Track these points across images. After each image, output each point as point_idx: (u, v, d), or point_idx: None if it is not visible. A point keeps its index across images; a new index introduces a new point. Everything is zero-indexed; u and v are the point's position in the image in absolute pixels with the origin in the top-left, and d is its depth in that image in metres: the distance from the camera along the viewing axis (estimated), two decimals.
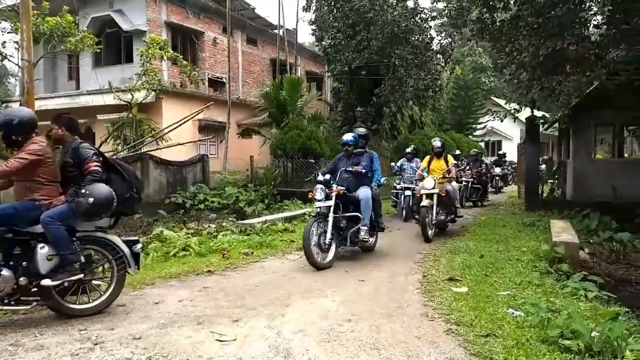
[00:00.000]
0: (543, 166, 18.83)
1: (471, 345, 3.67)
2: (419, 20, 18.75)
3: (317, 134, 16.28)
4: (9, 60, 13.75)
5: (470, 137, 34.33)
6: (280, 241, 8.38)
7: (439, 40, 20.99)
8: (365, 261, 6.93)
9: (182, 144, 14.17)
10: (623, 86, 10.39)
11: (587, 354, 3.46)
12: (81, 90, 17.99)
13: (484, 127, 35.41)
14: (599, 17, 11.67)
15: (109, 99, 14.73)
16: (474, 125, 36.00)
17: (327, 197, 6.47)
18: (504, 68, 13.33)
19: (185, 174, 13.55)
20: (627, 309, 4.95)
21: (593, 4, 11.40)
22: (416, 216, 8.97)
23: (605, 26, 11.31)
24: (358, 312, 4.50)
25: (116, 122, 14.15)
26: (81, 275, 4.24)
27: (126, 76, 15.20)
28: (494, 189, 19.58)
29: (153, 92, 14.47)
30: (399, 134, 22.77)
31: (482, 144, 35.65)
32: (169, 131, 14.27)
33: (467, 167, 14.81)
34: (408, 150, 12.56)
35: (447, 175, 9.11)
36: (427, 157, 9.68)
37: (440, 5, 18.68)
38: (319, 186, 6.55)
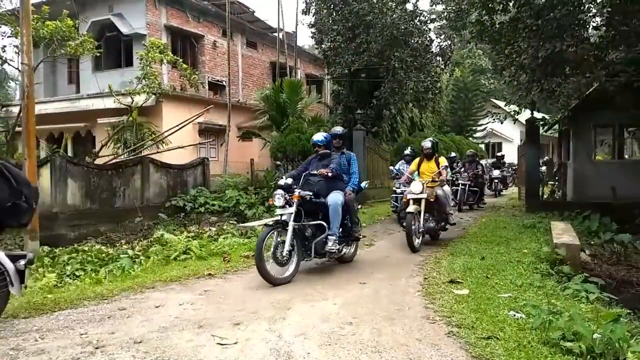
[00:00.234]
0: (543, 168, 18.86)
1: (472, 348, 3.66)
2: (418, 23, 18.76)
3: None
4: (9, 64, 13.77)
5: (470, 139, 34.36)
6: None
7: (439, 43, 21.01)
8: (365, 264, 6.92)
9: (182, 147, 14.19)
10: (622, 87, 10.40)
11: (588, 356, 3.46)
12: (81, 94, 18.02)
13: (484, 129, 35.47)
14: (598, 19, 11.71)
15: (109, 103, 14.77)
16: (474, 127, 36.04)
17: (288, 204, 5.83)
18: (504, 70, 13.35)
19: (186, 177, 13.55)
20: (628, 311, 4.95)
21: (592, 6, 11.43)
22: (403, 223, 8.20)
23: (604, 28, 11.34)
24: (359, 315, 4.50)
25: (116, 126, 14.18)
26: None
27: (126, 80, 15.23)
28: (493, 192, 19.18)
29: (153, 96, 14.49)
30: (399, 136, 22.78)
31: (482, 146, 35.68)
32: (169, 134, 14.30)
33: (463, 169, 14.45)
34: (407, 152, 12.23)
35: (438, 179, 8.40)
36: (417, 159, 9.02)
37: (440, 7, 18.73)
38: (278, 191, 5.91)
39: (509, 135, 36.58)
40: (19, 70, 9.80)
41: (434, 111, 27.43)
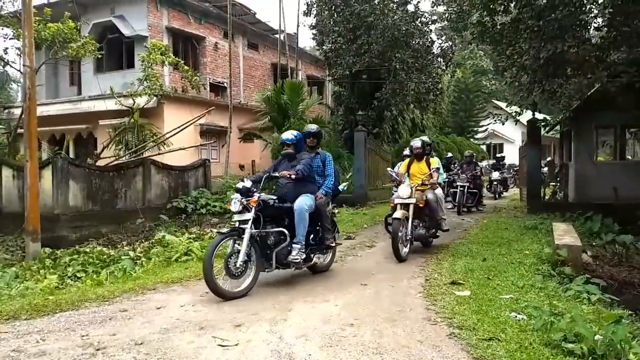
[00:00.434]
0: (545, 169, 18.84)
1: (474, 349, 3.65)
2: (420, 24, 18.78)
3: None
4: (11, 66, 13.81)
5: (471, 140, 34.38)
6: None
7: (440, 44, 21.04)
8: (366, 265, 6.92)
9: (183, 149, 14.20)
10: (624, 88, 10.38)
11: (590, 358, 3.45)
12: (83, 96, 18.05)
13: (486, 130, 35.47)
14: (599, 20, 11.69)
15: (111, 105, 14.79)
16: (475, 128, 36.05)
17: (246, 209, 5.32)
18: (505, 71, 13.33)
19: (187, 178, 13.56)
20: (630, 312, 4.94)
21: (593, 7, 11.41)
22: (389, 228, 7.62)
23: (605, 28, 11.32)
24: (360, 316, 4.49)
25: (118, 127, 14.20)
26: None
27: (128, 81, 15.25)
28: (492, 194, 18.51)
29: (155, 97, 14.52)
30: (400, 138, 22.77)
31: (484, 147, 35.70)
32: (171, 136, 14.32)
33: (460, 170, 14.06)
34: (406, 152, 11.40)
35: (428, 181, 7.70)
36: (407, 160, 8.37)
37: (441, 8, 18.63)
38: (234, 196, 5.41)
39: (511, 137, 36.57)
40: (21, 72, 9.83)
41: (435, 112, 27.42)
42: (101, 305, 4.95)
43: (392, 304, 4.90)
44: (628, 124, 13.57)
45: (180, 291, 5.53)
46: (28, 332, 4.08)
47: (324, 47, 19.73)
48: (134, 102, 13.56)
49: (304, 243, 5.67)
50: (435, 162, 8.05)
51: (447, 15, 15.46)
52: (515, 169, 24.28)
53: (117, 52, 18.61)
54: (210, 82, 19.85)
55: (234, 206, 5.33)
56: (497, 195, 18.63)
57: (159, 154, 13.74)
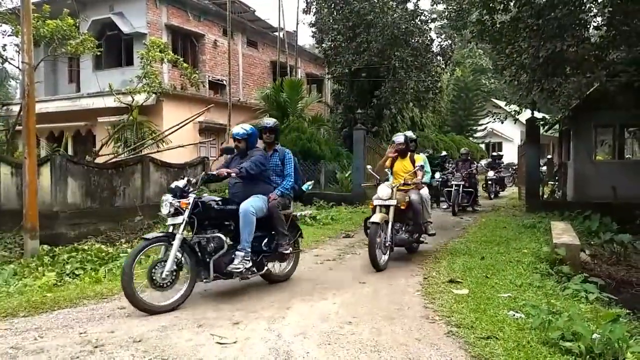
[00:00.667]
0: (544, 168, 18.83)
1: (472, 348, 3.66)
2: (419, 22, 18.76)
3: (318, 136, 16.31)
4: (9, 63, 13.76)
5: (470, 139, 34.41)
6: None
7: (439, 42, 21.05)
8: (365, 263, 6.91)
9: (182, 147, 14.19)
10: (623, 87, 10.39)
11: (588, 356, 3.46)
12: (82, 93, 18.01)
13: (485, 128, 35.49)
14: (598, 19, 11.70)
15: (110, 102, 14.75)
16: (474, 127, 36.07)
17: (179, 212, 4.79)
18: (504, 70, 13.35)
19: (186, 176, 13.53)
20: (628, 311, 4.94)
21: (593, 6, 11.42)
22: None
23: (605, 28, 11.32)
24: (358, 314, 4.50)
25: (117, 125, 14.17)
26: None
27: (127, 79, 15.22)
28: (488, 194, 17.99)
29: (154, 95, 14.48)
30: None
31: (483, 146, 35.73)
32: (170, 133, 14.30)
33: (455, 169, 13.78)
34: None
35: (412, 181, 7.05)
36: (390, 158, 7.47)
37: (440, 7, 18.64)
38: (165, 197, 4.88)
39: (510, 135, 36.59)
40: (20, 69, 9.81)
41: (435, 111, 27.42)
42: (99, 302, 4.95)
43: (390, 302, 4.91)
44: (627, 123, 13.59)
45: None
46: (26, 329, 4.08)
47: (324, 45, 19.72)
48: (133, 99, 13.53)
49: (249, 250, 5.08)
50: (420, 159, 7.34)
51: (446, 13, 15.47)
52: (514, 167, 24.28)
53: (116, 49, 18.57)
54: (209, 80, 19.81)
55: (164, 209, 4.81)
56: (491, 195, 18.07)
57: (158, 151, 13.72)
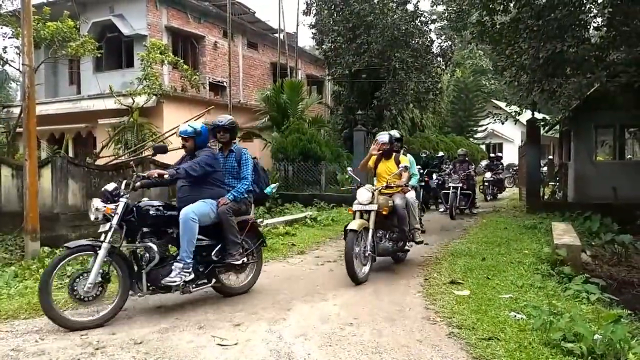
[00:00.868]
0: (544, 168, 18.81)
1: (473, 349, 3.66)
2: (419, 24, 18.77)
3: (318, 137, 16.29)
4: (10, 65, 13.76)
5: (471, 139, 34.39)
6: (281, 245, 8.37)
7: (439, 43, 21.01)
8: None
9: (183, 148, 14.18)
10: (623, 88, 10.39)
11: (589, 357, 3.46)
12: (82, 95, 18.02)
13: (485, 129, 35.48)
14: (598, 19, 11.70)
15: (110, 104, 14.76)
16: (474, 128, 36.05)
17: (107, 218, 4.40)
18: (504, 70, 13.34)
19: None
20: (629, 312, 4.94)
21: (593, 6, 11.42)
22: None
23: (605, 28, 11.32)
24: (359, 315, 4.49)
25: (117, 127, 14.16)
26: None
27: (127, 80, 15.22)
28: (485, 196, 17.50)
29: (154, 97, 14.48)
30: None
31: (483, 147, 35.71)
32: (170, 135, 14.29)
33: (453, 170, 13.14)
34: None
35: (394, 183, 6.46)
36: (374, 157, 6.84)
37: (440, 8, 18.63)
38: (93, 202, 4.49)
39: (510, 136, 36.58)
40: (20, 71, 9.81)
41: (435, 112, 27.43)
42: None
43: (391, 303, 4.91)
44: (627, 123, 13.58)
45: None
46: (27, 332, 4.08)
47: (324, 46, 19.71)
48: (133, 101, 13.53)
49: (189, 261, 4.60)
50: (405, 160, 6.79)
51: (446, 14, 15.47)
52: (515, 168, 24.24)
53: (116, 51, 18.58)
54: (209, 82, 19.82)
55: (91, 215, 4.43)
56: (487, 197, 17.59)
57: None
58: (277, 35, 22.24)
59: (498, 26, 12.54)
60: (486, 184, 17.85)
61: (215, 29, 20.30)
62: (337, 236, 9.62)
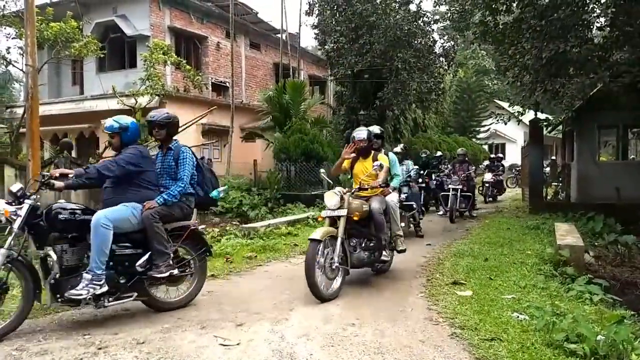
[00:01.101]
0: (547, 169, 18.76)
1: (476, 349, 3.65)
2: (422, 24, 18.75)
3: (320, 137, 16.28)
4: (13, 65, 13.84)
5: (473, 140, 34.35)
6: (284, 245, 8.38)
7: (442, 44, 21.03)
8: None
9: None
10: (627, 88, 10.36)
11: (592, 358, 3.45)
12: (85, 95, 18.07)
13: (488, 130, 35.41)
14: (602, 19, 11.65)
15: (113, 104, 14.77)
16: (477, 128, 36.00)
17: (9, 221, 4.04)
18: (507, 71, 13.32)
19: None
20: (632, 312, 4.92)
21: (596, 6, 11.39)
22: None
23: (608, 28, 11.29)
24: (362, 316, 4.49)
25: None
26: None
27: (130, 81, 15.27)
28: (484, 198, 16.98)
29: (157, 97, 14.51)
30: (402, 137, 22.74)
31: (486, 147, 35.66)
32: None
33: (452, 171, 12.53)
34: (396, 149, 10.11)
35: (369, 184, 5.79)
36: (346, 159, 6.15)
37: (443, 8, 18.60)
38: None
39: (513, 136, 36.52)
40: (23, 72, 9.84)
41: (437, 112, 27.39)
42: None
43: (393, 304, 4.90)
44: (630, 123, 13.56)
45: None
46: (30, 331, 4.09)
47: (326, 46, 19.72)
48: (136, 101, 13.54)
49: (99, 273, 4.10)
50: (384, 159, 6.04)
51: (449, 14, 15.44)
52: (517, 169, 24.17)
53: (119, 51, 18.63)
54: (212, 82, 19.86)
55: None
56: (486, 199, 17.01)
57: None
58: (279, 35, 22.27)
59: (501, 26, 12.52)
60: (486, 185, 17.29)
61: (218, 29, 20.33)
62: None
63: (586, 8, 10.93)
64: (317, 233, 5.04)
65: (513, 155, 30.82)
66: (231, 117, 17.12)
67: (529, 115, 15.28)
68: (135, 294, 4.43)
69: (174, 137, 4.96)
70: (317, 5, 19.58)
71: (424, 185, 11.85)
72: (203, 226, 4.90)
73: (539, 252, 7.49)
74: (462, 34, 17.26)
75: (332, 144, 16.87)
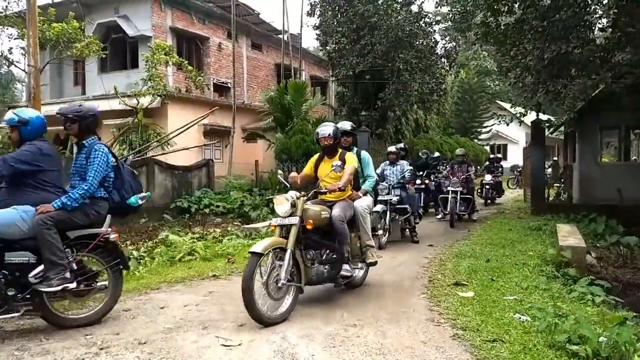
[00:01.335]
0: (549, 170, 18.73)
1: (478, 351, 3.65)
2: (423, 25, 18.76)
3: None
4: (15, 66, 13.88)
5: (475, 141, 34.34)
6: None
7: (444, 44, 21.02)
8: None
9: (187, 149, 14.20)
10: (629, 89, 10.36)
11: (594, 359, 3.44)
12: (87, 96, 18.08)
13: (489, 131, 35.42)
14: (604, 20, 11.66)
15: (115, 104, 14.82)
16: (479, 129, 36.01)
17: None
18: (509, 72, 13.32)
19: (191, 178, 13.59)
20: (634, 314, 4.92)
21: (598, 7, 11.39)
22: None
23: (610, 29, 11.29)
24: (363, 317, 4.48)
25: (122, 127, 14.22)
26: None
27: (132, 81, 15.30)
28: (484, 200, 16.47)
29: (158, 97, 14.54)
30: (404, 138, 22.73)
31: (488, 148, 35.66)
32: (174, 136, 14.33)
33: (451, 172, 11.95)
34: (391, 149, 9.50)
35: (327, 188, 4.99)
36: (315, 156, 5.51)
37: (445, 9, 18.67)
38: None
39: (515, 137, 36.53)
40: (26, 72, 9.87)
41: (439, 113, 27.39)
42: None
43: (395, 305, 4.89)
44: (633, 125, 13.55)
45: (183, 291, 5.54)
46: (32, 331, 4.09)
47: (328, 47, 19.74)
48: (138, 102, 13.58)
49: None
50: (352, 158, 5.24)
51: (451, 15, 15.48)
52: (519, 170, 24.14)
53: (121, 52, 18.67)
54: (214, 82, 19.89)
55: None
56: (486, 202, 16.47)
57: (163, 154, 13.76)
58: (281, 36, 22.29)
59: (502, 27, 12.53)
60: (486, 187, 16.63)
61: (219, 30, 20.36)
62: None
63: (588, 9, 10.93)
64: (260, 245, 4.26)
65: (515, 156, 30.85)
66: (233, 118, 17.15)
67: (531, 117, 15.27)
68: (30, 308, 3.92)
69: (94, 134, 4.38)
70: (318, 6, 19.60)
71: (423, 186, 11.56)
72: (115, 235, 4.32)
73: (541, 254, 7.47)
74: (464, 35, 17.25)
75: None
